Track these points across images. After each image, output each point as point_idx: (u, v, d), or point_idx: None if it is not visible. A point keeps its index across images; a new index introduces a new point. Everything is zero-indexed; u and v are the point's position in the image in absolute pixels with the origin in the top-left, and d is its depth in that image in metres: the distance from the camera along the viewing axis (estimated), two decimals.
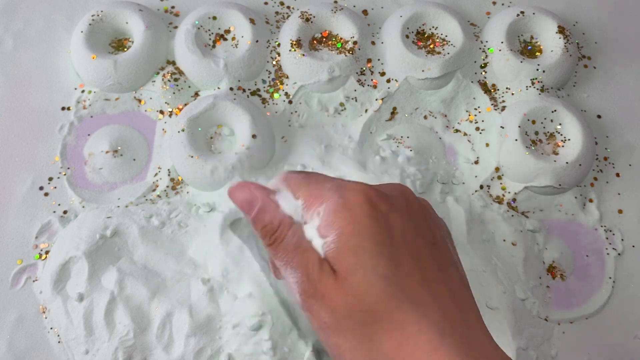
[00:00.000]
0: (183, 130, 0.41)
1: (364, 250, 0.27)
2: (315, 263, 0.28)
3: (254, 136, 0.41)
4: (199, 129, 0.42)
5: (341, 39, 0.46)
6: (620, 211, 0.44)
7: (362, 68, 0.46)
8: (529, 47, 0.47)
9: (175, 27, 0.47)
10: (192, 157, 0.41)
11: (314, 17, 0.46)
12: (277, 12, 0.49)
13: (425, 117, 0.46)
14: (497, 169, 0.44)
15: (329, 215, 0.28)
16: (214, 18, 0.46)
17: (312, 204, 0.29)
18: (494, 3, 0.51)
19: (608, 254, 0.43)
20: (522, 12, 0.47)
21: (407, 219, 0.29)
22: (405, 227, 0.29)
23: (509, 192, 0.43)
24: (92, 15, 0.45)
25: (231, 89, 0.44)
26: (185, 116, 0.42)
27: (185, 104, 0.44)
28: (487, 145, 0.45)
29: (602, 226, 0.43)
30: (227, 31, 0.46)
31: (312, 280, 0.28)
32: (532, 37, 0.48)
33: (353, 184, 0.30)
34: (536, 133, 0.44)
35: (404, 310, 0.27)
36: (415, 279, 0.27)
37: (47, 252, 0.40)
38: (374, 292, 0.27)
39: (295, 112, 0.45)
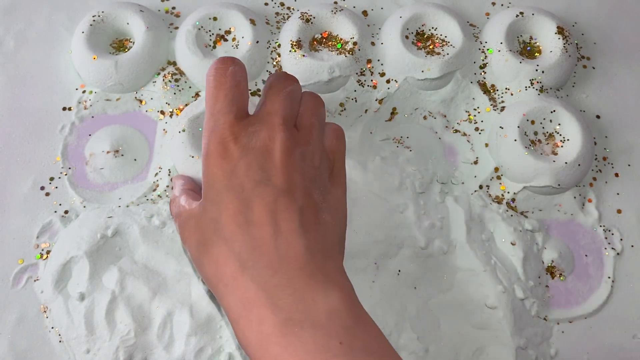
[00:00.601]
0: (184, 130, 0.41)
1: (209, 195, 0.33)
2: (185, 217, 0.35)
3: None
4: (200, 129, 0.42)
5: (341, 39, 0.46)
6: (619, 211, 0.44)
7: (362, 69, 0.46)
8: (528, 48, 0.47)
9: (176, 28, 0.47)
10: (192, 157, 0.41)
11: (314, 17, 0.46)
12: (277, 13, 0.49)
13: (424, 118, 0.46)
14: (496, 169, 0.44)
15: (201, 159, 0.34)
16: (215, 19, 0.46)
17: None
18: (494, 4, 0.51)
19: (607, 253, 0.43)
20: (522, 13, 0.47)
21: (256, 168, 0.32)
22: (247, 175, 0.31)
23: (508, 192, 0.44)
24: (93, 16, 0.45)
25: None
26: (185, 116, 0.42)
27: (186, 104, 0.44)
28: (487, 145, 0.45)
29: (601, 226, 0.44)
30: (228, 32, 0.46)
31: (181, 232, 0.35)
32: (531, 38, 0.48)
33: (224, 130, 0.32)
34: (535, 133, 0.44)
35: (219, 245, 0.31)
36: (236, 221, 0.31)
37: (48, 252, 0.40)
38: (207, 231, 0.32)
39: None
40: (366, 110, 0.45)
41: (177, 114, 0.44)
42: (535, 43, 0.48)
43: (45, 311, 0.39)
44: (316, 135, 0.34)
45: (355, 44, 0.46)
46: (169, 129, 0.44)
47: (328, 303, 0.29)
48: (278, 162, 0.32)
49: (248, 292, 0.29)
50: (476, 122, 0.46)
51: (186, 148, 0.41)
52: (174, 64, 0.46)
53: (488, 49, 0.47)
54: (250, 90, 0.45)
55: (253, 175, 0.31)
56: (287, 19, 0.48)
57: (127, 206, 0.41)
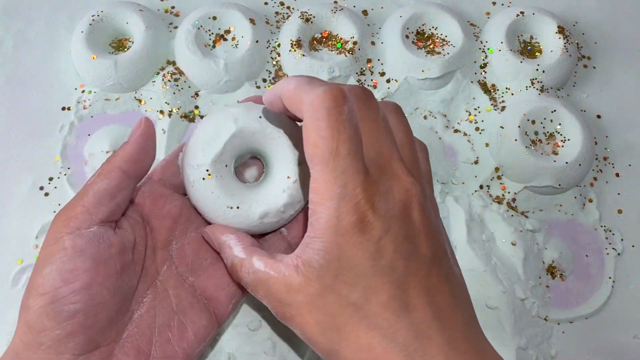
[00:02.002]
0: (209, 176, 0.33)
1: (342, 277, 0.28)
2: (277, 288, 0.29)
3: (300, 164, 0.34)
4: (225, 165, 0.34)
5: (341, 39, 0.46)
6: (620, 211, 0.44)
7: (362, 68, 0.46)
8: (529, 47, 0.47)
9: (176, 28, 0.47)
10: (231, 208, 0.34)
11: (314, 17, 0.46)
12: (277, 13, 0.49)
13: (425, 117, 0.46)
14: (496, 169, 0.44)
15: (320, 226, 0.28)
16: (214, 18, 0.46)
17: (314, 195, 0.28)
18: (494, 3, 0.51)
19: (608, 253, 0.43)
20: (522, 13, 0.47)
21: (403, 242, 0.28)
22: (397, 252, 0.28)
23: (509, 192, 0.43)
24: (93, 16, 0.45)
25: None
26: (205, 156, 0.34)
27: (185, 107, 0.44)
28: (487, 145, 0.45)
29: (601, 226, 0.43)
30: (227, 31, 0.46)
31: (280, 306, 0.30)
32: (531, 37, 0.48)
33: (357, 198, 0.27)
34: (536, 133, 0.44)
35: (371, 335, 0.28)
36: (391, 308, 0.27)
37: None
38: (344, 315, 0.28)
39: None
40: None
41: (175, 112, 0.44)
42: (536, 43, 0.48)
43: None
44: (425, 172, 0.32)
45: (355, 43, 0.46)
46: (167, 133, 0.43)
47: None
48: (420, 226, 0.29)
49: None
50: (476, 122, 0.46)
51: (219, 198, 0.34)
52: (174, 63, 0.46)
53: (488, 49, 0.47)
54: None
55: (402, 252, 0.28)
56: (287, 18, 0.48)
57: None
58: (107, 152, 0.43)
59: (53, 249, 0.29)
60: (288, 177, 0.33)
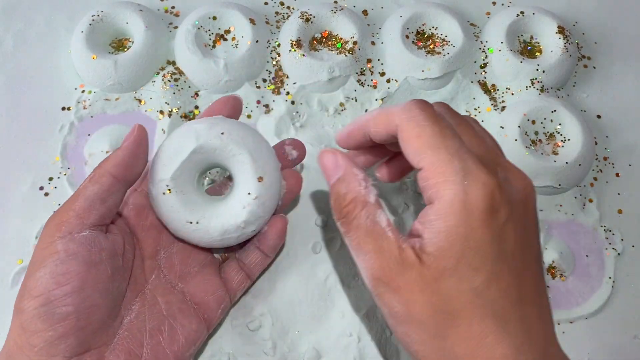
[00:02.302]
0: (169, 191, 0.33)
1: (466, 259, 0.26)
2: (392, 253, 0.28)
3: (260, 179, 0.34)
4: (188, 180, 0.34)
5: (341, 39, 0.46)
6: (620, 211, 0.44)
7: (362, 68, 0.46)
8: (529, 47, 0.47)
9: (176, 28, 0.47)
10: (191, 223, 0.33)
11: (314, 17, 0.46)
12: (277, 12, 0.49)
13: None
14: None
15: (444, 204, 0.27)
16: (214, 18, 0.46)
17: (431, 177, 0.27)
18: (494, 3, 0.51)
19: (608, 254, 0.43)
20: (522, 12, 0.47)
21: (522, 232, 0.28)
22: (517, 241, 0.27)
23: None
24: (93, 16, 0.45)
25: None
26: (165, 172, 0.33)
27: (186, 108, 0.44)
28: None
29: (601, 226, 0.43)
30: (227, 31, 0.46)
31: (387, 270, 0.28)
32: (532, 37, 0.48)
33: (483, 175, 0.26)
34: (536, 133, 0.44)
35: (485, 323, 0.26)
36: (511, 297, 0.27)
37: None
38: (461, 300, 0.26)
39: (296, 112, 0.45)
40: (366, 110, 0.45)
41: (176, 114, 0.44)
42: (536, 43, 0.48)
43: None
44: None
45: (355, 43, 0.46)
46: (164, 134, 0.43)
47: None
48: (534, 220, 0.28)
49: None
50: None
51: (179, 213, 0.33)
52: (174, 63, 0.46)
53: (489, 49, 0.47)
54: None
55: (521, 241, 0.27)
56: (287, 18, 0.48)
57: None
58: (107, 152, 0.43)
59: (45, 252, 0.30)
60: (249, 194, 0.33)
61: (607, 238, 0.43)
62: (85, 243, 0.30)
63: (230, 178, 0.38)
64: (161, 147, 0.34)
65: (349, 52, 0.45)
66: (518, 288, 0.27)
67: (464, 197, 0.26)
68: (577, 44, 0.49)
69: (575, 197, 0.44)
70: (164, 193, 0.33)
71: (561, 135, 0.44)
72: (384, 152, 0.34)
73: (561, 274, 0.42)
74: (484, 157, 0.28)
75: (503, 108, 0.45)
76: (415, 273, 0.27)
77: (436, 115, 0.28)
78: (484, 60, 0.47)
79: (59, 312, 0.29)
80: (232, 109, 0.37)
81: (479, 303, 0.26)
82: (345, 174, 0.30)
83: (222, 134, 0.33)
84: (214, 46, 0.46)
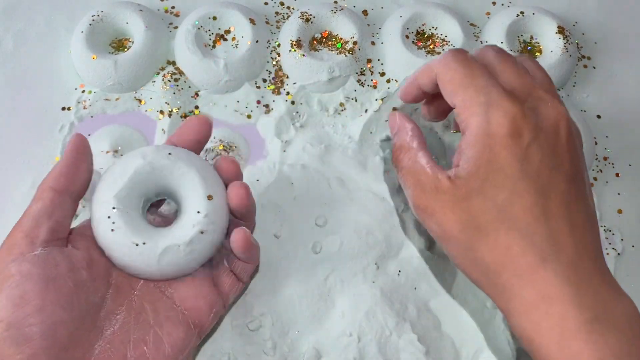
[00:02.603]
0: (114, 209, 0.32)
1: (490, 179, 0.30)
2: (429, 183, 0.33)
3: (210, 197, 0.33)
4: (133, 203, 0.33)
5: (341, 39, 0.46)
6: (620, 211, 0.44)
7: (362, 68, 0.46)
8: (529, 48, 0.47)
9: (176, 28, 0.47)
10: (137, 245, 0.32)
11: (314, 17, 0.46)
12: (277, 13, 0.49)
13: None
14: None
15: (471, 134, 0.31)
16: (214, 18, 0.46)
17: (462, 113, 0.32)
18: (494, 3, 0.51)
19: (608, 254, 0.42)
20: (522, 13, 0.47)
21: (550, 155, 0.30)
22: (544, 162, 0.30)
23: None
24: (93, 16, 0.45)
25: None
26: (109, 192, 0.32)
27: (184, 115, 0.44)
28: None
29: (601, 226, 0.43)
30: (227, 31, 0.46)
31: (424, 198, 0.33)
32: (532, 38, 0.48)
33: (505, 104, 0.30)
34: None
35: (511, 236, 0.30)
36: (533, 213, 0.30)
37: None
38: (487, 216, 0.30)
39: (296, 112, 0.45)
40: (366, 110, 0.45)
41: (176, 114, 0.44)
42: (536, 43, 0.48)
43: None
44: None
45: (355, 43, 0.46)
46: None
47: (625, 308, 0.30)
48: (565, 145, 0.31)
49: (550, 286, 0.29)
50: None
51: (125, 236, 0.32)
52: (174, 63, 0.46)
53: None
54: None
55: (547, 163, 0.30)
56: (287, 18, 0.48)
57: None
58: (107, 152, 0.43)
59: (1, 277, 0.29)
60: (198, 212, 0.32)
61: (607, 238, 0.43)
62: (38, 262, 0.30)
63: (175, 214, 0.36)
64: (106, 171, 0.33)
65: (349, 52, 0.45)
66: (543, 206, 0.30)
67: (487, 125, 0.30)
68: (577, 44, 0.49)
69: None
70: (108, 217, 0.32)
71: None
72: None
73: None
74: (515, 89, 0.32)
75: None
76: (447, 196, 0.32)
77: (468, 59, 0.33)
78: None
79: (23, 334, 0.28)
80: (199, 132, 0.35)
81: (503, 218, 0.30)
82: (399, 129, 0.37)
83: (169, 153, 0.33)
84: (214, 46, 0.46)
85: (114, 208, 0.32)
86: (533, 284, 0.30)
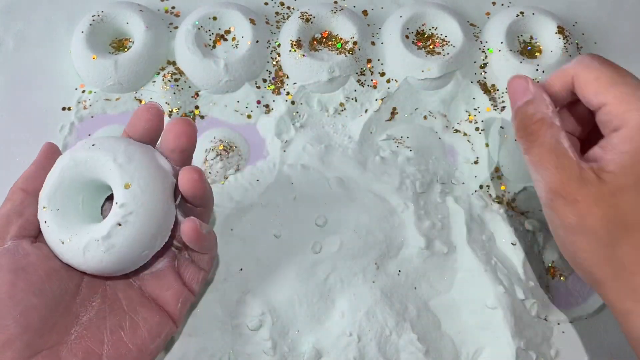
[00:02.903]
0: (44, 209, 0.32)
1: (633, 175, 0.29)
2: (573, 168, 0.31)
3: (127, 185, 0.31)
4: (66, 198, 0.32)
5: (341, 39, 0.46)
6: None
7: (362, 68, 0.46)
8: (529, 48, 0.47)
9: (176, 28, 0.47)
10: (62, 242, 0.31)
11: (314, 17, 0.46)
12: (277, 13, 0.49)
13: (425, 118, 0.46)
14: (496, 169, 0.44)
15: (630, 129, 0.30)
16: (214, 18, 0.46)
17: (615, 109, 0.31)
18: (494, 3, 0.51)
19: None
20: (522, 13, 0.47)
21: None
22: None
23: (509, 192, 0.43)
24: (93, 16, 0.45)
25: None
26: (43, 189, 0.33)
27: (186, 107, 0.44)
28: (487, 145, 0.45)
29: None
30: (227, 31, 0.46)
31: (566, 184, 0.31)
32: (531, 38, 0.48)
33: None
34: None
35: None
36: None
37: None
38: (626, 209, 0.30)
39: (296, 112, 0.45)
40: (366, 110, 0.45)
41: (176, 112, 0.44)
42: (536, 43, 0.48)
43: None
44: None
45: (355, 43, 0.46)
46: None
47: None
48: None
49: None
50: (476, 122, 0.46)
51: (53, 232, 0.32)
52: (174, 63, 0.46)
53: (488, 49, 0.47)
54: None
55: None
56: (287, 18, 0.48)
57: None
58: None
59: None
60: (116, 203, 0.31)
61: None
62: (7, 253, 0.31)
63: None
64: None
65: (349, 52, 0.45)
66: None
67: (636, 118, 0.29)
68: (577, 44, 0.49)
69: None
70: (40, 216, 0.32)
71: None
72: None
73: (561, 274, 0.42)
74: None
75: (503, 108, 0.45)
76: (593, 188, 0.30)
77: (607, 60, 0.32)
78: (483, 60, 0.47)
79: None
80: (148, 120, 0.33)
81: None
82: (535, 97, 0.34)
83: (92, 145, 0.32)
84: (214, 46, 0.46)
85: (44, 207, 0.32)
86: None
